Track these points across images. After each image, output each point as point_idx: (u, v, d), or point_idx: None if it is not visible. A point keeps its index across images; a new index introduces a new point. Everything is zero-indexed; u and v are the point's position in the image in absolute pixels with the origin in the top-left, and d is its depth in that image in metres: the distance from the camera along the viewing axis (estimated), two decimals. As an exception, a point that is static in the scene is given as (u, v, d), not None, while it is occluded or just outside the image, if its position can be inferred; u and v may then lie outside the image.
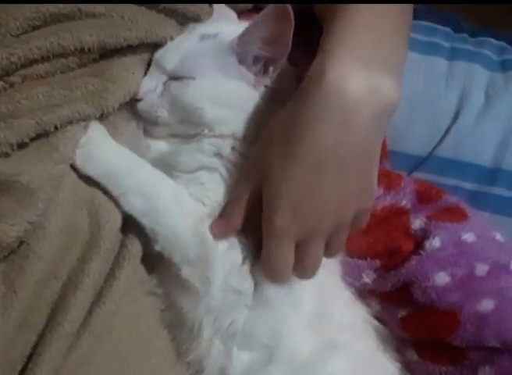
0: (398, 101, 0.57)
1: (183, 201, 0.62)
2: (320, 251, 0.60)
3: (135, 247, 0.61)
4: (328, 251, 0.61)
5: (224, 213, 0.62)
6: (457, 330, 0.65)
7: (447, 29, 0.89)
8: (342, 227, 0.60)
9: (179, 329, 0.65)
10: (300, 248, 0.59)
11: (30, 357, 0.56)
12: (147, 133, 0.68)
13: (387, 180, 0.72)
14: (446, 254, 0.66)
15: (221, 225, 0.62)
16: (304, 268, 0.61)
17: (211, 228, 0.61)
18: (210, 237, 0.62)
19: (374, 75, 0.55)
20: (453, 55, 0.84)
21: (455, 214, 0.70)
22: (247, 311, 0.62)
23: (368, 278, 0.69)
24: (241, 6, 0.76)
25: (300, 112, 0.56)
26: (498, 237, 0.69)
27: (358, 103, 0.55)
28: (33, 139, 0.56)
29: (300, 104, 0.57)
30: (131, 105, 0.66)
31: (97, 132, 0.61)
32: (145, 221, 0.61)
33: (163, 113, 0.66)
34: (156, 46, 0.67)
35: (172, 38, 0.67)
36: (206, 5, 0.70)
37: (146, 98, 0.66)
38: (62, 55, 0.59)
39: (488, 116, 0.80)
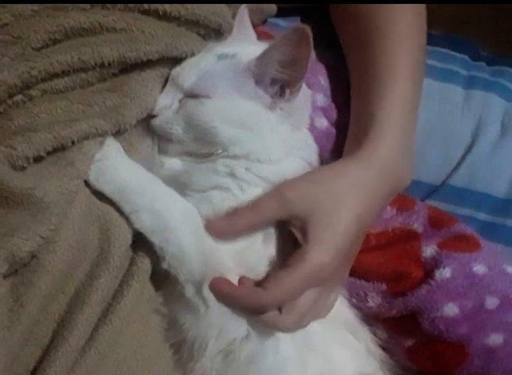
0: (409, 181, 0.69)
1: (193, 221, 0.62)
2: (313, 299, 0.62)
3: (145, 265, 0.61)
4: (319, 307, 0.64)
5: (234, 215, 0.62)
6: (464, 363, 0.65)
7: (465, 56, 0.88)
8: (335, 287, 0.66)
9: (182, 347, 0.64)
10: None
11: (34, 371, 0.55)
12: (161, 150, 0.68)
13: (401, 201, 0.72)
14: (456, 285, 0.66)
15: (225, 224, 0.62)
16: (293, 310, 0.62)
17: (213, 223, 0.62)
18: (216, 258, 0.62)
19: (406, 163, 0.68)
20: (469, 83, 0.83)
21: (467, 243, 0.69)
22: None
23: (372, 302, 0.69)
24: (254, 20, 0.76)
25: (351, 172, 0.65)
26: (509, 270, 0.68)
27: (395, 182, 0.67)
28: (49, 153, 0.56)
29: (353, 165, 0.66)
30: (146, 121, 0.66)
31: (112, 148, 0.61)
32: (154, 239, 0.61)
33: (177, 130, 0.66)
34: (175, 61, 0.67)
35: (192, 52, 0.67)
36: (229, 16, 0.71)
37: (161, 115, 0.66)
38: (82, 70, 0.60)
39: (504, 147, 0.79)
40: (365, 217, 0.64)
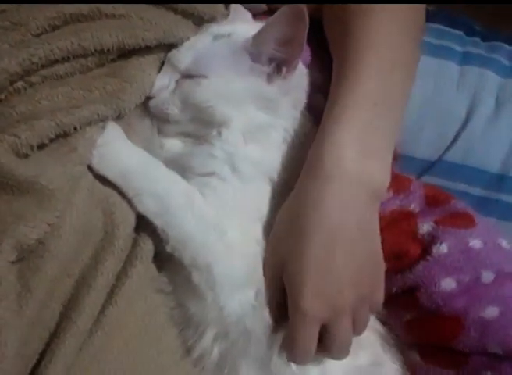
0: (387, 185, 0.63)
1: (195, 205, 0.62)
2: (350, 328, 0.63)
3: (147, 246, 0.62)
4: (356, 328, 0.63)
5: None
6: (460, 335, 0.66)
7: (459, 32, 0.88)
8: (363, 300, 0.63)
9: (186, 326, 0.66)
10: (330, 327, 0.62)
11: (42, 353, 0.56)
12: (160, 131, 0.68)
13: (396, 183, 0.72)
14: (453, 260, 0.67)
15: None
16: (336, 347, 0.62)
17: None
18: (217, 244, 0.62)
19: (368, 162, 0.62)
20: (464, 59, 0.84)
21: (463, 220, 0.70)
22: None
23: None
24: (256, 9, 0.76)
25: (303, 200, 0.61)
26: (504, 244, 0.69)
27: (355, 187, 0.61)
28: (51, 140, 0.56)
29: (303, 191, 0.62)
30: (144, 103, 0.66)
31: (113, 133, 0.62)
32: (157, 222, 0.61)
33: (173, 111, 0.66)
34: (172, 46, 0.67)
35: (188, 39, 0.67)
36: (222, 8, 0.71)
37: (158, 96, 0.66)
38: (81, 56, 0.60)
39: (498, 123, 0.80)
40: (343, 227, 0.61)
